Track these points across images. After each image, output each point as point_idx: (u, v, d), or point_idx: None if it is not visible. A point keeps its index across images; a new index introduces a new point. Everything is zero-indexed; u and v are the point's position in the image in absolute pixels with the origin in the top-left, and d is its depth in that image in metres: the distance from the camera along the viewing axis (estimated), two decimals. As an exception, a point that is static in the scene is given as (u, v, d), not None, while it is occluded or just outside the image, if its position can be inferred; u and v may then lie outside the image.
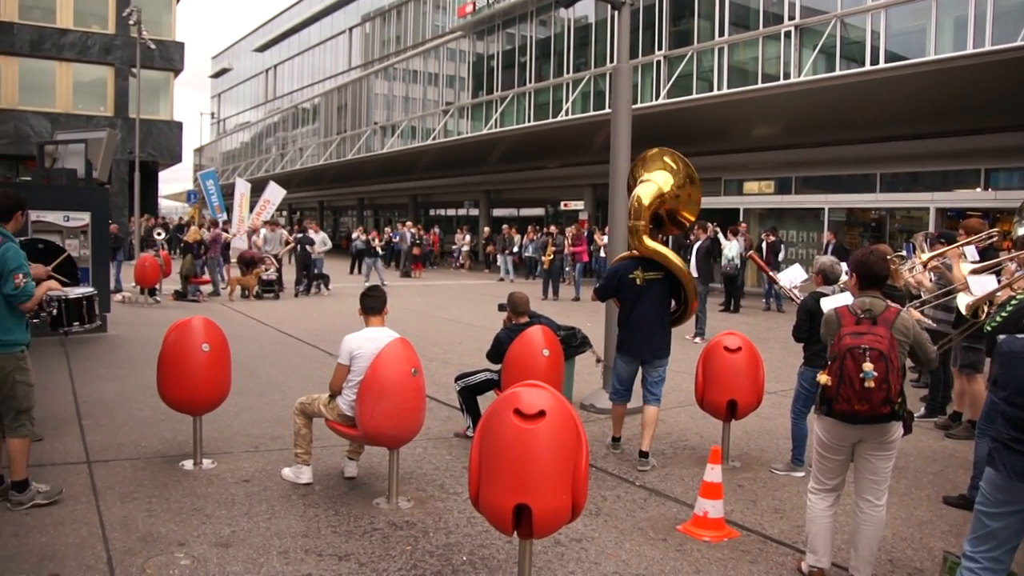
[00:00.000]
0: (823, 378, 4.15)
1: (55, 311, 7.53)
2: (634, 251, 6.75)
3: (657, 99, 25.08)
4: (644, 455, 6.53)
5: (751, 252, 14.92)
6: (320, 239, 22.39)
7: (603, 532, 5.16)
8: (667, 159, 6.73)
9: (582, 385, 9.03)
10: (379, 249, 24.50)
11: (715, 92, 23.10)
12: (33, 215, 11.08)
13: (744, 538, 5.12)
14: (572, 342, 7.90)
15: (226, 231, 23.36)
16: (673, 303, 6.83)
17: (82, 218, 11.97)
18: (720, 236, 17.29)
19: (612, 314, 7.95)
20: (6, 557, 4.52)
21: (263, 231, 21.99)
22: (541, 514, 3.68)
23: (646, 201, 6.51)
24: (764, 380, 6.73)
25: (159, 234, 23.35)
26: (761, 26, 23.21)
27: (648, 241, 6.56)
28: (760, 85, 21.27)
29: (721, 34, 24.28)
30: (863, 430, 4.22)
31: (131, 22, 29.67)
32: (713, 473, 5.16)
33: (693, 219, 7.04)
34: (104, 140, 14.02)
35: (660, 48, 26.34)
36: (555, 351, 6.70)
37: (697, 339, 13.28)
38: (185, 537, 4.86)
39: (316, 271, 21.65)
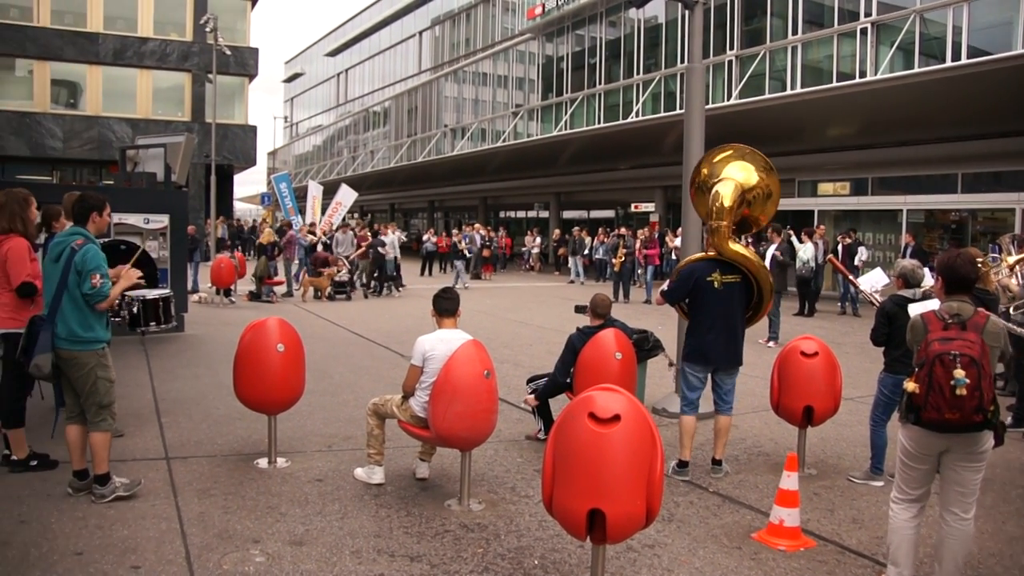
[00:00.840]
0: (910, 385, 4.00)
1: (135, 310, 7.74)
2: (709, 252, 6.51)
3: (729, 99, 24.77)
4: (717, 463, 6.40)
5: (830, 256, 14.59)
6: (390, 241, 22.63)
7: (676, 538, 5.09)
8: (738, 154, 6.51)
9: (654, 389, 8.94)
10: (466, 252, 24.29)
11: (788, 92, 22.72)
12: (115, 217, 11.37)
13: (821, 548, 5.00)
14: (644, 345, 7.82)
15: (312, 233, 23.74)
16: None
17: (161, 220, 12.26)
18: (794, 239, 16.96)
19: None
20: (91, 548, 4.64)
21: (338, 234, 22.33)
22: (615, 519, 3.64)
23: (728, 201, 6.24)
24: (842, 386, 6.56)
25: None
26: (836, 23, 22.76)
27: (732, 243, 6.30)
28: (835, 84, 20.83)
29: (794, 32, 23.88)
30: (952, 439, 4.06)
31: (207, 29, 30.38)
32: (789, 481, 5.04)
33: (766, 221, 6.77)
34: (182, 144, 14.37)
35: (732, 48, 26.01)
36: (628, 354, 6.64)
37: (771, 343, 13.06)
38: (260, 534, 4.93)
39: (391, 272, 21.87)
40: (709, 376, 6.49)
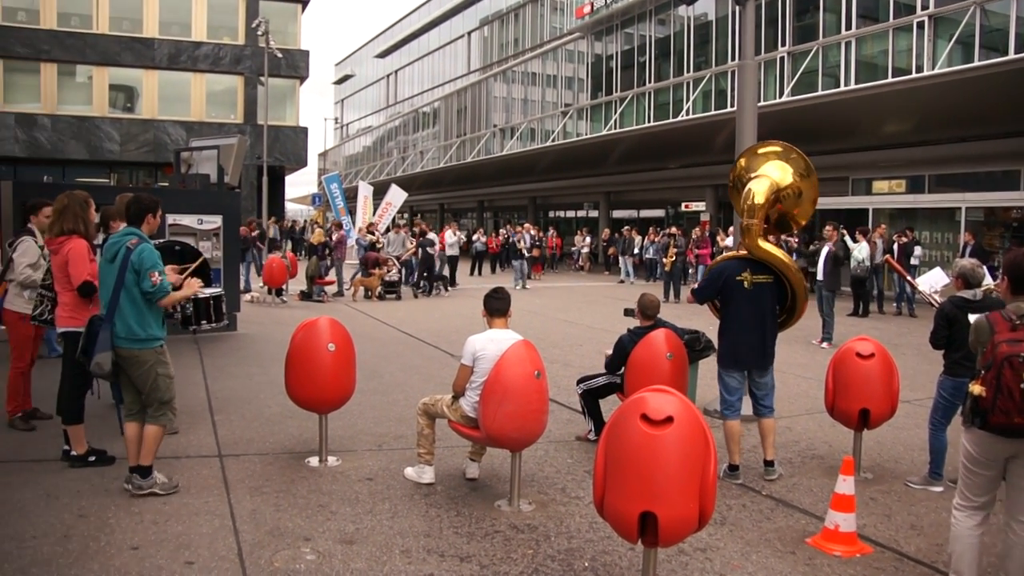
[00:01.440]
0: (976, 388, 3.86)
1: (188, 309, 7.85)
2: (740, 251, 6.43)
3: (781, 97, 24.47)
4: (770, 464, 6.28)
5: (887, 256, 14.32)
6: (451, 241, 22.80)
7: (729, 542, 5.02)
8: (783, 154, 6.39)
9: (705, 390, 8.83)
10: (525, 251, 24.00)
11: (842, 88, 22.36)
12: (170, 218, 11.57)
13: (878, 555, 4.89)
14: (696, 346, 7.73)
15: (372, 232, 23.96)
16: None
17: (214, 221, 12.41)
18: (848, 238, 16.66)
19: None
20: (147, 543, 4.71)
21: (390, 234, 22.52)
22: (668, 523, 3.59)
23: (760, 199, 6.16)
24: (899, 388, 6.42)
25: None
26: (891, 17, 22.35)
27: (762, 242, 6.18)
28: (890, 80, 20.47)
29: (848, 27, 23.51)
30: (1020, 445, 3.92)
31: (259, 33, 30.82)
32: (845, 485, 4.93)
33: (804, 222, 6.66)
34: (235, 146, 14.54)
35: (784, 44, 25.69)
36: (679, 355, 6.58)
37: (824, 344, 12.85)
38: (311, 532, 4.96)
39: (442, 271, 22.01)
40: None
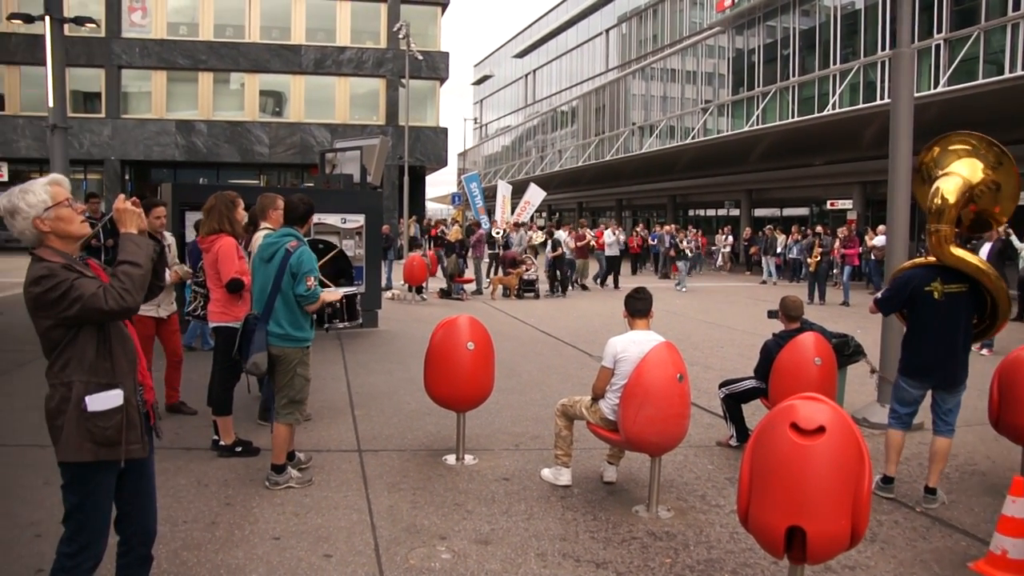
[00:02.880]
0: None
1: (330, 310, 8.03)
2: (929, 258, 5.76)
3: (935, 87, 23.24)
4: (931, 491, 5.66)
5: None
6: (610, 241, 22.74)
7: (879, 561, 4.71)
8: (970, 145, 5.64)
9: (853, 396, 8.42)
10: (688, 251, 23.45)
11: (1007, 75, 21.01)
12: (315, 217, 11.87)
13: (1053, 582, 4.50)
14: (845, 350, 7.38)
15: (530, 231, 24.16)
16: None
17: (357, 220, 12.69)
18: (1014, 238, 15.60)
19: (891, 321, 7.34)
20: (288, 534, 4.83)
21: (520, 232, 22.61)
22: (816, 539, 3.38)
23: (951, 199, 5.47)
24: (1075, 400, 5.90)
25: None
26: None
27: (954, 248, 5.52)
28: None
29: (1016, 8, 22.03)
30: None
31: (400, 36, 31.47)
32: (1015, 507, 4.47)
33: (1006, 219, 5.88)
34: (377, 147, 14.84)
35: (940, 31, 24.38)
36: (828, 360, 6.27)
37: (984, 351, 12.04)
38: (447, 531, 4.96)
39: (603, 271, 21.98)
40: (928, 393, 5.82)
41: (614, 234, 23.84)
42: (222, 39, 36.75)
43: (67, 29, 16.12)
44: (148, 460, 3.45)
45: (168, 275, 6.91)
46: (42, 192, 3.17)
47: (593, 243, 23.35)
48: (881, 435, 6.50)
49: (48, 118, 13.79)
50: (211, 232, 6.37)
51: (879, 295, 6.14)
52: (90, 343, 3.15)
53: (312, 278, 5.42)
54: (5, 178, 35.38)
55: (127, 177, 37.14)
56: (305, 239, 5.72)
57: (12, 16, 18.44)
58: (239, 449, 6.27)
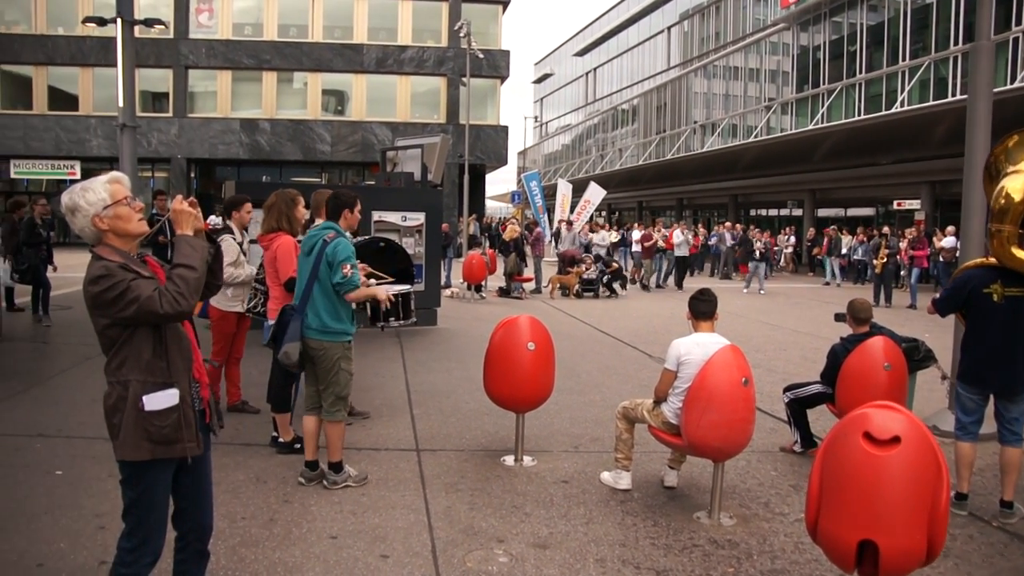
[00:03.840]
0: None
1: (385, 308, 8.03)
2: (990, 259, 5.55)
3: (1012, 83, 22.53)
4: (1007, 505, 5.42)
5: None
6: (679, 240, 22.57)
7: (954, 577, 4.55)
8: None
9: (922, 403, 8.17)
10: (759, 252, 22.59)
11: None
12: (375, 215, 11.97)
13: None
14: (914, 355, 7.15)
15: (593, 230, 24.02)
16: None
17: (418, 218, 12.73)
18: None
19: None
20: (345, 533, 4.82)
21: (574, 230, 22.54)
22: (890, 554, 3.25)
23: (1017, 197, 5.21)
24: None
25: None
26: None
27: (1016, 250, 5.27)
28: None
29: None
30: None
31: (461, 35, 31.55)
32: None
33: None
34: (438, 145, 14.88)
35: (1018, 23, 23.62)
36: (898, 365, 6.07)
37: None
38: (504, 534, 4.90)
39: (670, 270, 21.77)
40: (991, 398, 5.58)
41: (683, 234, 23.33)
42: (286, 39, 37.24)
43: (137, 31, 16.47)
44: (204, 457, 3.47)
45: (234, 271, 6.97)
46: (101, 190, 3.19)
47: (662, 243, 22.98)
48: (952, 444, 6.27)
49: (118, 117, 14.07)
50: (270, 230, 6.39)
51: (937, 296, 5.94)
52: (146, 343, 3.16)
53: (348, 266, 5.34)
54: (77, 176, 36.35)
55: (192, 175, 37.86)
56: (347, 233, 5.66)
57: (87, 20, 18.90)
58: (297, 446, 6.28)
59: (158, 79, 36.74)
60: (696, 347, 5.26)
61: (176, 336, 3.27)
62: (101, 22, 17.09)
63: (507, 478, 5.96)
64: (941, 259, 20.01)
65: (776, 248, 32.45)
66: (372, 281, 6.30)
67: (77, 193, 3.17)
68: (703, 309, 5.42)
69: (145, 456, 3.17)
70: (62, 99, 37.03)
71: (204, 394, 3.41)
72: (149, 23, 17.64)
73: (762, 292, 21.63)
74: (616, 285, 20.16)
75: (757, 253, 22.34)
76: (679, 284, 22.89)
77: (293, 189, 6.63)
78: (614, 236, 26.72)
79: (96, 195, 3.17)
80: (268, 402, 6.55)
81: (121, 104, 13.97)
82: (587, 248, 23.18)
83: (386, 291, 5.90)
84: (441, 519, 5.10)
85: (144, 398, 3.15)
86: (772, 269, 27.43)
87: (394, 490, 5.59)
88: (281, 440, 6.37)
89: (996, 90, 19.24)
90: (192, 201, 3.30)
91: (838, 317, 7.11)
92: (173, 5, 35.96)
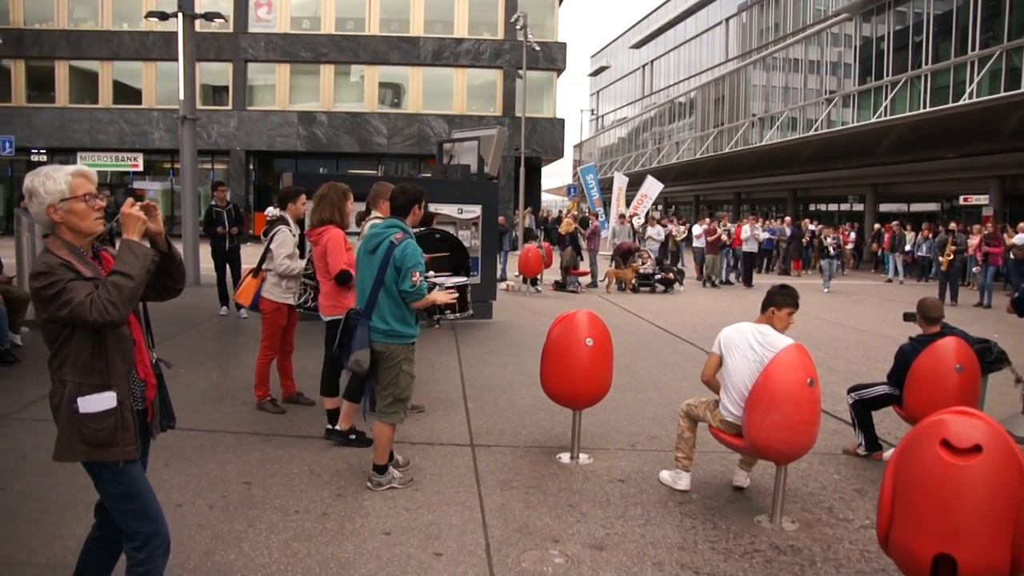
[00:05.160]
0: None
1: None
2: None
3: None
4: None
5: None
6: (747, 235, 22.30)
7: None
8: None
9: (992, 406, 7.87)
10: (831, 249, 21.89)
11: None
12: (432, 207, 11.93)
13: None
14: (987, 357, 6.88)
15: (664, 225, 23.73)
16: None
17: (474, 211, 12.68)
18: None
19: (1039, 326, 6.82)
20: (398, 529, 4.77)
21: (627, 224, 22.35)
22: (969, 569, 3.09)
23: None
24: None
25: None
26: None
27: None
28: None
29: None
30: None
31: (518, 27, 31.44)
32: None
33: None
34: (494, 138, 14.80)
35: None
36: (970, 367, 5.85)
37: None
38: (560, 534, 4.81)
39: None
40: None
41: (752, 229, 22.64)
42: (343, 32, 37.46)
43: (198, 25, 16.67)
44: (143, 453, 3.37)
45: (289, 264, 6.96)
46: (62, 181, 3.11)
47: (726, 238, 22.45)
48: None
49: (179, 110, 14.25)
50: (320, 223, 6.36)
51: (1017, 295, 5.71)
52: (86, 343, 3.08)
53: (418, 273, 5.13)
54: (140, 168, 37.12)
55: (251, 167, 38.31)
56: (413, 231, 5.47)
57: (149, 14, 19.23)
58: (353, 437, 6.26)
59: (218, 73, 37.26)
60: (735, 332, 5.26)
61: (118, 337, 3.17)
62: (163, 16, 17.37)
63: (563, 476, 5.86)
64: (1011, 256, 19.35)
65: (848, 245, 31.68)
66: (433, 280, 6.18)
67: (40, 179, 3.10)
68: (766, 300, 5.46)
69: (80, 458, 3.11)
70: (126, 93, 37.76)
71: (149, 395, 3.32)
72: (209, 17, 17.88)
73: (826, 290, 21.15)
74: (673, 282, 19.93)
75: (830, 250, 21.72)
76: (748, 281, 22.37)
77: (343, 183, 6.60)
78: (682, 231, 25.60)
79: (56, 185, 3.09)
80: (323, 394, 6.54)
81: (182, 97, 14.16)
82: (640, 240, 22.92)
83: (447, 292, 5.76)
84: (496, 516, 5.03)
85: (79, 400, 3.07)
86: (842, 269, 26.73)
87: (448, 486, 5.53)
88: (338, 428, 6.33)
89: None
90: (148, 205, 3.18)
91: (907, 317, 6.88)
92: (233, 0, 36.46)
